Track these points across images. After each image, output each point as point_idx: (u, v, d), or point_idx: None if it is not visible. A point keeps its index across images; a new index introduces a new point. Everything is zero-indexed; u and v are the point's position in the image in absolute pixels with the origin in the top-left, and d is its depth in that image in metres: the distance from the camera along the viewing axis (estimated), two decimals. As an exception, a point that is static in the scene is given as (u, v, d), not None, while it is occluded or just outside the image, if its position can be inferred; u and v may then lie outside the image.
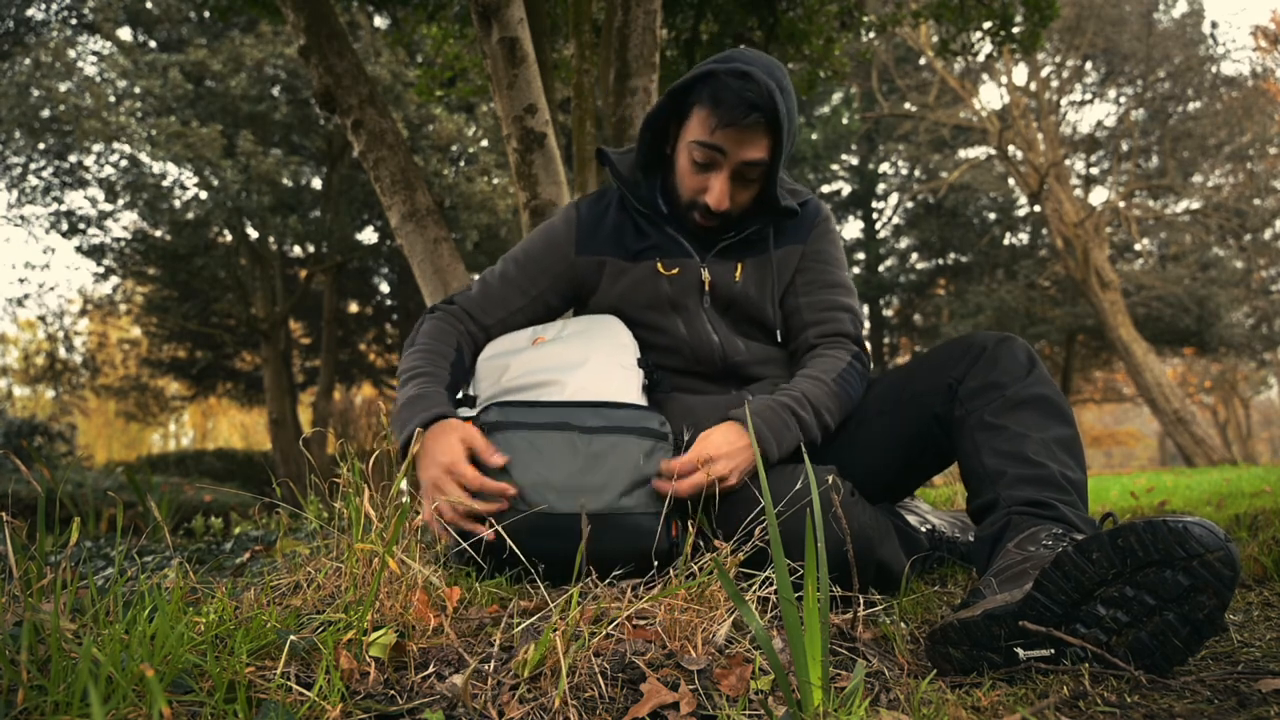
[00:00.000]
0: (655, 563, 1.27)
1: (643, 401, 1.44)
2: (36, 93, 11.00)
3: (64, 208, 12.67)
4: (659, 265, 1.56)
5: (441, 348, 1.52)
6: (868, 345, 1.61)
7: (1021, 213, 19.04)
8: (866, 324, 21.20)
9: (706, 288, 1.55)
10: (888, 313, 21.92)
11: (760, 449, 1.32)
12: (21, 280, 19.27)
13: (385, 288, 17.05)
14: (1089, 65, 17.24)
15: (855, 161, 21.02)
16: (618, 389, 1.40)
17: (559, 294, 1.63)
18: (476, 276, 1.70)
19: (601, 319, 1.58)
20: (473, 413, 1.40)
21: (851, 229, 21.81)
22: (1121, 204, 16.66)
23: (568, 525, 1.23)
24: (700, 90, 1.42)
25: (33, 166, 12.17)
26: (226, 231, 13.05)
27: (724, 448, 1.32)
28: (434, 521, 1.25)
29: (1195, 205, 17.08)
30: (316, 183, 14.03)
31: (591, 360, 1.43)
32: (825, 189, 21.07)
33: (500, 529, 1.19)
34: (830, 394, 1.45)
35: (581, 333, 1.52)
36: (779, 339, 1.60)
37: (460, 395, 1.49)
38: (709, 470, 1.29)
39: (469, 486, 1.24)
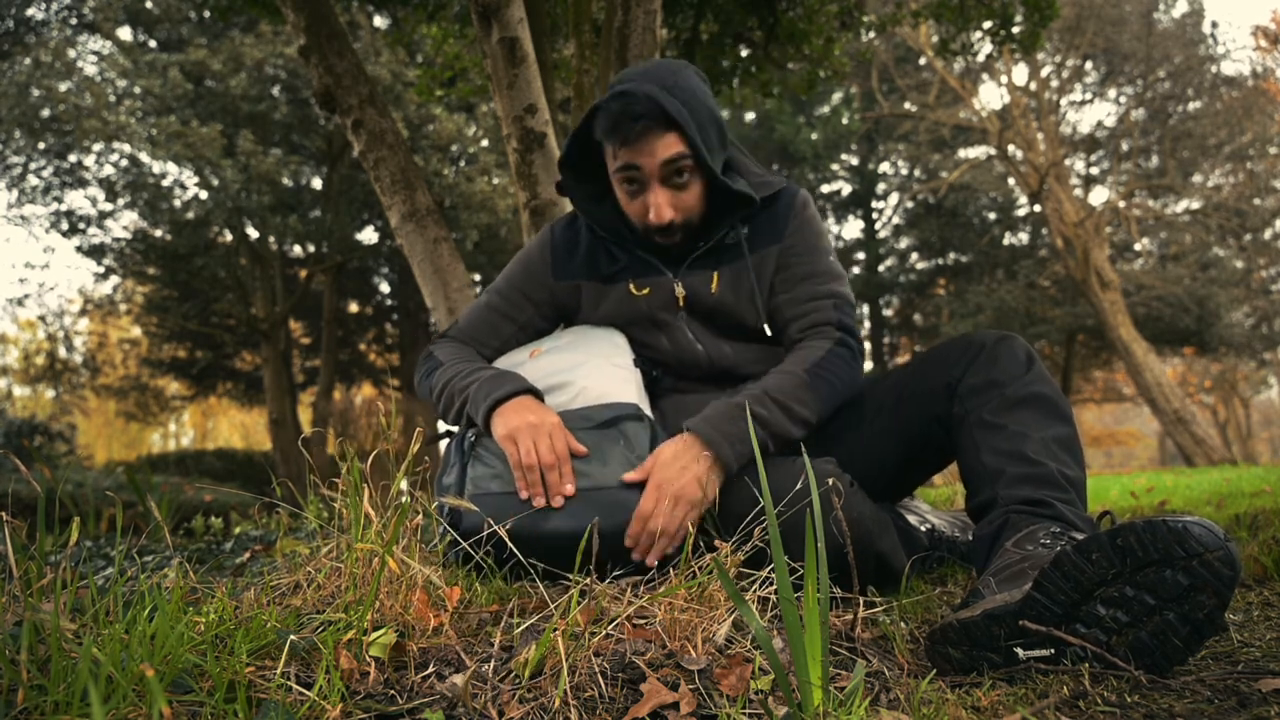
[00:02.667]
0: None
1: (642, 398, 1.45)
2: (36, 92, 10.99)
3: (64, 207, 12.69)
4: (631, 287, 1.56)
5: (473, 359, 1.55)
6: (859, 328, 1.54)
7: (1021, 213, 19.03)
8: (866, 322, 21.27)
9: (681, 303, 1.54)
10: (888, 313, 21.91)
11: (715, 455, 1.29)
12: (21, 280, 19.35)
13: (385, 288, 17.06)
14: (1089, 65, 17.23)
15: (855, 161, 21.02)
16: (619, 386, 1.42)
17: (546, 318, 1.66)
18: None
19: (592, 327, 1.61)
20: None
21: (851, 229, 21.82)
22: (1121, 204, 16.64)
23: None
24: (595, 127, 1.45)
25: (33, 166, 12.18)
26: (226, 231, 13.05)
27: (671, 469, 1.28)
28: (516, 462, 1.29)
29: (1195, 205, 17.06)
30: (316, 183, 14.03)
31: (591, 360, 1.46)
32: (825, 189, 21.08)
33: (499, 528, 1.20)
34: (802, 385, 1.39)
35: (575, 341, 1.55)
36: (767, 338, 1.57)
37: None
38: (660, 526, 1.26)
39: (557, 452, 1.29)
